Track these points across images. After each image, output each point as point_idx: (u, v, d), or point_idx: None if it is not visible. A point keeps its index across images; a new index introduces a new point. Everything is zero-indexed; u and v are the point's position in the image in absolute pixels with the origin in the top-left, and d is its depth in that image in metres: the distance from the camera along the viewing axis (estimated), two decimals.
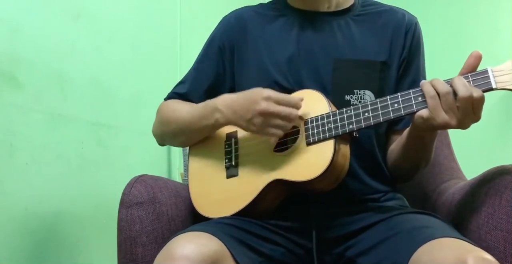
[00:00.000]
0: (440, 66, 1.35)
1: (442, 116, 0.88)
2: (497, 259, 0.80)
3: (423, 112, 0.90)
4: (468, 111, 0.87)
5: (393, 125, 1.15)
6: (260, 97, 0.98)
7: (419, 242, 0.85)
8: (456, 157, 1.34)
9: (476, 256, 0.78)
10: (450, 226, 0.96)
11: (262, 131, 1.00)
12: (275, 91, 1.00)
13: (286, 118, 0.98)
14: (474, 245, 0.83)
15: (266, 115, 0.98)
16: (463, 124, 0.89)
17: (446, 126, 0.90)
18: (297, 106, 0.99)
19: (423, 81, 0.91)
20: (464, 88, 0.86)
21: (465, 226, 0.99)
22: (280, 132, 0.99)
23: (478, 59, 0.89)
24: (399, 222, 0.98)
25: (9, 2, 1.42)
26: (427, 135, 1.00)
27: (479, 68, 0.89)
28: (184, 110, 1.14)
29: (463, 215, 1.02)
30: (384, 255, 0.92)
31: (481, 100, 0.86)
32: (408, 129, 1.02)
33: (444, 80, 0.90)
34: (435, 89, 0.88)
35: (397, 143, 1.11)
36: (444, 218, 1.02)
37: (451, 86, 0.88)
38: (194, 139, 1.16)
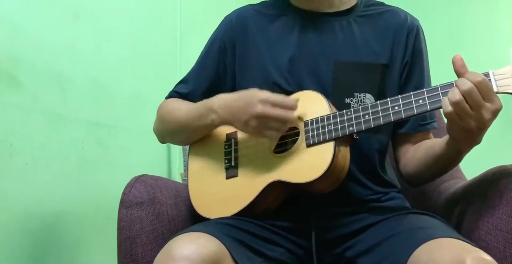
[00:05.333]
0: (438, 67, 1.35)
1: (464, 122, 0.86)
2: (497, 259, 0.80)
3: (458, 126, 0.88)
4: (480, 105, 0.84)
5: (397, 129, 1.15)
6: (257, 100, 0.98)
7: (418, 242, 0.85)
8: None
9: (475, 256, 0.78)
10: (449, 226, 0.96)
11: (259, 134, 1.01)
12: (271, 93, 0.99)
13: (282, 120, 0.98)
14: (473, 246, 0.83)
15: (262, 118, 0.97)
16: (482, 120, 0.85)
17: (471, 129, 0.87)
18: (293, 108, 0.98)
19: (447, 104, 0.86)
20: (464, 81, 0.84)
21: (465, 226, 0.99)
22: (276, 134, 1.00)
23: (460, 60, 0.87)
24: (399, 222, 0.98)
25: (9, 2, 1.42)
26: (466, 149, 0.96)
27: (481, 72, 0.88)
28: (182, 109, 1.14)
29: (463, 215, 1.02)
30: (383, 255, 0.92)
31: (484, 83, 0.84)
32: (445, 142, 0.99)
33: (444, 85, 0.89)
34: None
35: (425, 154, 1.08)
36: (444, 218, 1.02)
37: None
38: (193, 138, 1.16)
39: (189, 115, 1.11)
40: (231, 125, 1.05)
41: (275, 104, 0.98)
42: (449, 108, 0.85)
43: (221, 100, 1.05)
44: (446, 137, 0.98)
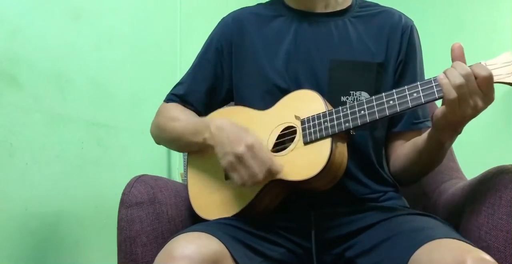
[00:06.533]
0: (438, 67, 1.35)
1: (461, 109, 0.87)
2: (497, 259, 0.80)
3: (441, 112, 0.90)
4: (476, 92, 0.86)
5: (391, 127, 1.15)
6: (244, 141, 0.97)
7: (418, 243, 0.85)
8: (456, 157, 1.34)
9: (475, 256, 0.78)
10: (449, 227, 0.96)
11: (228, 170, 0.99)
12: (261, 144, 0.98)
13: (249, 174, 0.96)
14: (473, 246, 0.84)
15: (239, 159, 0.96)
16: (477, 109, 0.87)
17: (465, 118, 0.89)
18: (267, 172, 0.96)
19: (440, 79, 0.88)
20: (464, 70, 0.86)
21: (465, 226, 0.99)
22: (239, 182, 0.97)
23: (460, 48, 0.89)
24: (399, 223, 0.99)
25: (9, 2, 1.42)
26: (448, 140, 0.98)
27: (472, 62, 0.89)
28: (180, 120, 1.15)
29: (463, 215, 1.02)
30: (383, 256, 0.92)
31: (485, 78, 0.86)
32: (427, 134, 1.00)
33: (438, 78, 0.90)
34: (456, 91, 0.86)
35: (409, 148, 1.09)
36: (444, 218, 1.02)
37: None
38: (186, 150, 1.18)
39: (185, 128, 1.11)
40: (215, 150, 1.02)
41: (255, 156, 0.96)
42: (454, 93, 0.86)
43: (219, 124, 1.04)
44: (428, 131, 0.99)
